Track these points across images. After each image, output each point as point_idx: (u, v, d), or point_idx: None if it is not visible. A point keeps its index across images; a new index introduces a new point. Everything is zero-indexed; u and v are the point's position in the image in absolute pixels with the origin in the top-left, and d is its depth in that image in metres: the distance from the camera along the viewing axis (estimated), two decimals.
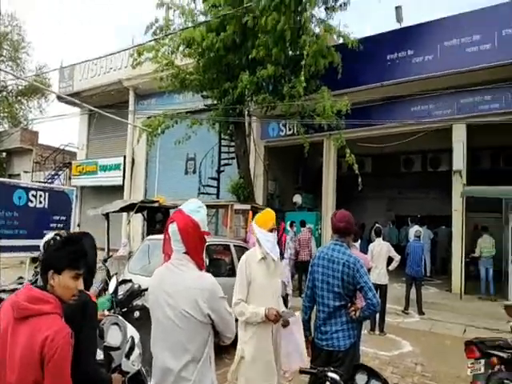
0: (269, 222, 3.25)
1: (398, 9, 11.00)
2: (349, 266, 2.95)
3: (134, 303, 4.12)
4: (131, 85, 15.85)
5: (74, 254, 1.84)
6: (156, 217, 10.44)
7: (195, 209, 2.09)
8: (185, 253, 2.02)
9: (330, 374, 2.16)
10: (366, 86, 10.43)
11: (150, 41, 10.01)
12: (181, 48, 10.38)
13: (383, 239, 7.89)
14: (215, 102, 11.04)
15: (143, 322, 3.49)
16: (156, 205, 9.47)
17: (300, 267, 10.26)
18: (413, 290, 8.79)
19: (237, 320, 3.04)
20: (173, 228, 2.03)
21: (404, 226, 14.76)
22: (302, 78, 8.67)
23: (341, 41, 9.99)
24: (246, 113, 11.48)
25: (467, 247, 10.75)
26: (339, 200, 13.08)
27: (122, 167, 16.43)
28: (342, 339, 2.96)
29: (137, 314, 4.01)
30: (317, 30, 9.99)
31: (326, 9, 9.74)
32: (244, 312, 3.03)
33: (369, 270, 7.30)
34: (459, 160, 10.16)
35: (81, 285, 1.88)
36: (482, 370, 3.61)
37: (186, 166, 15.19)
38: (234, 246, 5.79)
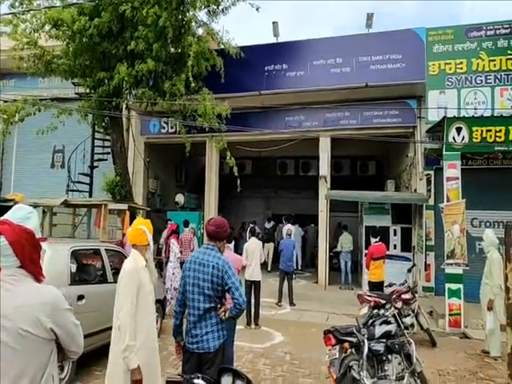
0: (151, 231, 3.37)
1: (274, 24, 11.72)
2: (218, 269, 3.04)
3: None
4: None
5: None
6: None
7: (25, 216, 1.85)
8: (19, 267, 1.77)
9: (196, 381, 2.15)
10: (246, 93, 10.89)
11: (7, 14, 8.69)
12: (46, 27, 9.27)
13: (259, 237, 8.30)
14: (88, 91, 10.14)
15: None
16: (11, 204, 8.23)
17: (181, 267, 10.09)
18: (286, 284, 9.41)
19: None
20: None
21: (279, 224, 15.74)
22: (184, 77, 8.57)
23: (222, 46, 10.20)
24: (125, 106, 10.82)
25: (331, 243, 12.09)
26: (221, 200, 13.32)
27: None
28: (212, 341, 3.02)
29: None
30: (200, 32, 10.01)
31: (209, 12, 9.79)
32: (132, 335, 2.95)
33: (244, 267, 7.64)
34: (324, 167, 11.45)
35: None
36: (337, 355, 4.07)
37: (52, 158, 13.62)
38: (106, 250, 5.40)
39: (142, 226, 3.29)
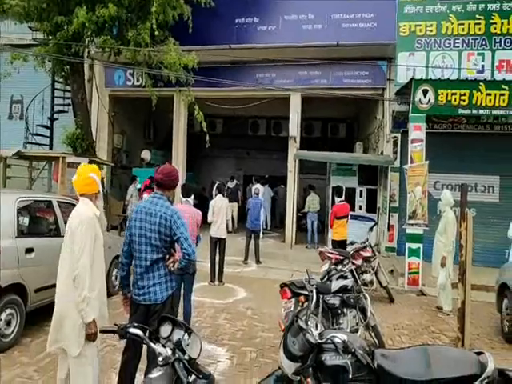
0: (99, 176, 3.12)
1: None
2: (166, 218, 2.92)
3: None
4: None
5: None
6: None
7: None
8: None
9: (132, 330, 2.06)
10: (215, 46, 10.38)
11: None
12: None
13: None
14: (45, 36, 9.40)
15: None
16: None
17: None
18: (253, 242, 9.46)
19: None
20: None
21: (249, 184, 15.68)
22: (148, 25, 8.06)
23: None
24: (86, 55, 10.13)
25: (301, 204, 12.18)
26: (192, 159, 13.00)
27: None
28: (160, 292, 2.95)
29: None
30: None
31: None
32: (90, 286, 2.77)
33: (209, 224, 7.59)
34: (294, 127, 11.33)
35: None
36: (292, 308, 4.12)
37: (10, 109, 12.81)
38: (59, 202, 5.13)
39: (92, 174, 2.99)
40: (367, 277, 6.61)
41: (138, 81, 11.47)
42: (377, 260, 6.91)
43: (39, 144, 11.12)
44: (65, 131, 10.02)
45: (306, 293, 4.10)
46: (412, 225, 7.95)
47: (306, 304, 4.29)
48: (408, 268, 7.98)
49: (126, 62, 9.87)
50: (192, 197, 4.98)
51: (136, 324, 2.15)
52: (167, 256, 3.01)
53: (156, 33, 8.39)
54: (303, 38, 10.18)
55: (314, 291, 3.21)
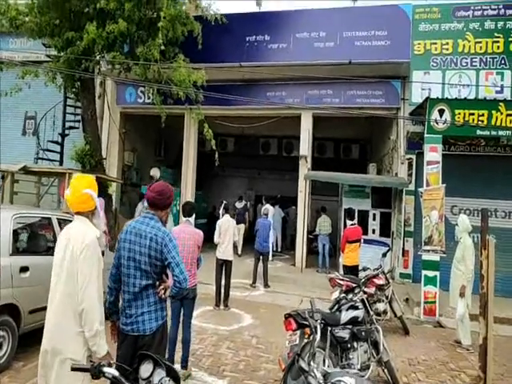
0: (96, 189, 2.75)
1: None
2: (156, 241, 2.67)
3: None
4: None
5: None
6: None
7: None
8: None
9: (107, 370, 1.80)
10: (226, 64, 10.38)
11: None
12: None
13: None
14: (57, 52, 9.51)
15: None
16: None
17: None
18: (261, 265, 9.15)
19: None
20: None
21: (259, 205, 15.45)
22: (158, 41, 8.08)
23: (200, 12, 9.70)
24: (97, 71, 10.22)
25: (312, 226, 11.86)
26: (203, 178, 12.86)
27: None
28: (148, 322, 2.68)
29: None
30: None
31: None
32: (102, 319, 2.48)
33: (216, 245, 7.35)
34: (305, 146, 11.12)
35: None
36: (298, 341, 3.77)
37: (24, 125, 12.96)
38: (58, 219, 4.95)
39: (87, 190, 2.61)
40: (380, 306, 6.23)
41: (148, 98, 11.51)
42: (391, 288, 6.54)
43: (50, 160, 11.14)
44: (74, 147, 10.01)
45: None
46: (428, 251, 7.56)
47: (312, 337, 3.96)
48: (424, 297, 7.56)
49: (136, 79, 9.91)
50: (193, 216, 4.75)
51: (112, 362, 1.89)
52: (158, 282, 2.74)
53: (162, 47, 8.38)
54: (315, 56, 10.07)
55: (318, 326, 2.90)
